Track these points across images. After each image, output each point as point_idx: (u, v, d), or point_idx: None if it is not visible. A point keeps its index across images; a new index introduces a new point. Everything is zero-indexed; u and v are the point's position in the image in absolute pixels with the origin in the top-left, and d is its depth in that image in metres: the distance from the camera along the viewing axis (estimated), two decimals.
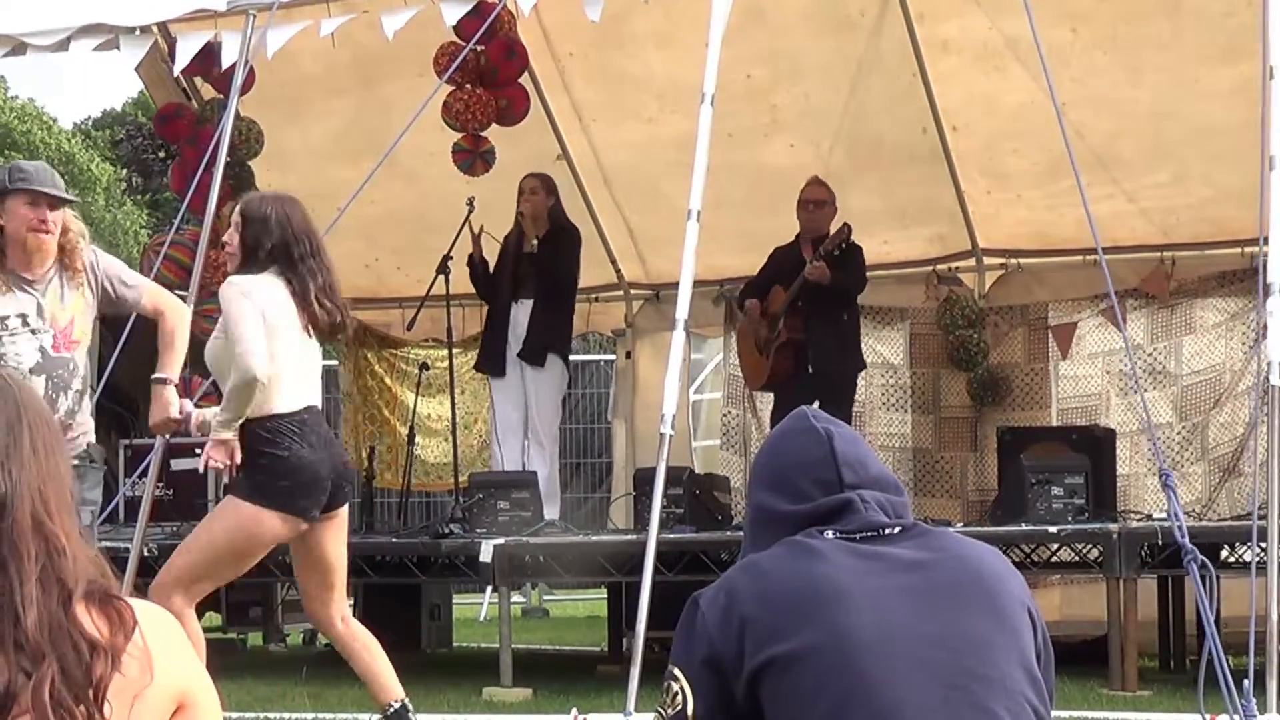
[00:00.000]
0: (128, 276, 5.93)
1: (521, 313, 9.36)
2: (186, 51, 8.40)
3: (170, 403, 5.76)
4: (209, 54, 8.50)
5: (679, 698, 2.42)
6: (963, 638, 2.38)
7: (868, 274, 9.26)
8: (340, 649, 5.75)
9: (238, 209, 5.67)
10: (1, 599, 2.01)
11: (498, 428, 9.53)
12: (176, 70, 8.84)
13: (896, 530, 2.49)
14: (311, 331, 5.55)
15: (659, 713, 2.45)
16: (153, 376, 5.80)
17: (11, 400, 2.11)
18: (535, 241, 9.30)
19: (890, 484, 2.58)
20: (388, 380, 11.72)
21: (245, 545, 5.53)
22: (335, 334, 5.68)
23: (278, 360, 5.42)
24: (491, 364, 9.53)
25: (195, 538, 5.63)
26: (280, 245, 5.49)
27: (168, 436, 6.65)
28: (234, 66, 8.17)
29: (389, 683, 5.66)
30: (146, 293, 5.93)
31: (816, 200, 9.11)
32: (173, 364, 5.82)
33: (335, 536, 5.66)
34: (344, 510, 5.70)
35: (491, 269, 9.42)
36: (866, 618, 2.35)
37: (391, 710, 5.62)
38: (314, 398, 5.58)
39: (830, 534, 2.47)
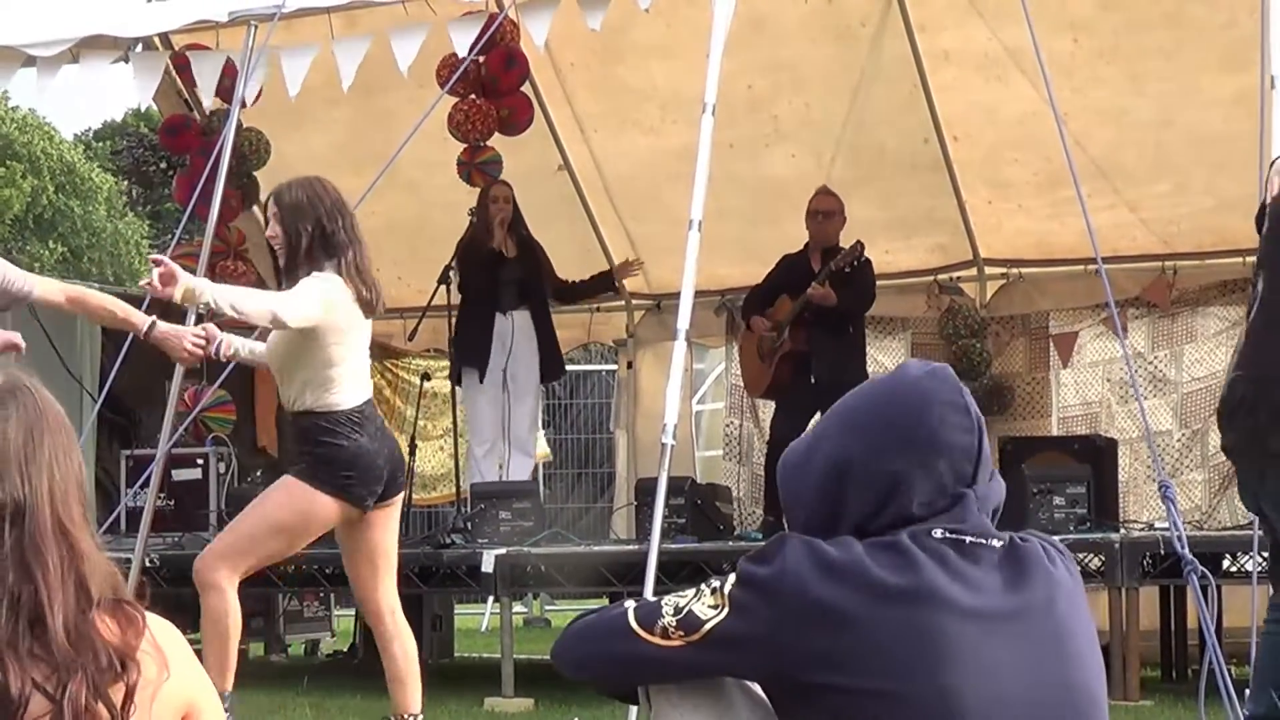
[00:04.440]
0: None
1: (514, 325, 9.29)
2: (203, 73, 8.44)
3: (178, 330, 5.64)
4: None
5: (713, 611, 2.31)
6: (1068, 694, 2.32)
7: None
8: (379, 642, 5.80)
9: (271, 198, 5.68)
10: (24, 604, 2.02)
11: (479, 436, 9.47)
12: (208, 103, 8.87)
13: (998, 544, 2.35)
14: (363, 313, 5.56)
15: (677, 602, 2.34)
16: (144, 333, 5.52)
17: (32, 405, 2.13)
18: (512, 249, 9.25)
19: (1000, 497, 2.41)
20: (388, 391, 11.69)
21: (297, 524, 5.54)
22: (372, 312, 5.58)
23: (349, 357, 5.50)
24: (477, 372, 9.32)
25: (247, 514, 5.63)
26: (317, 226, 5.49)
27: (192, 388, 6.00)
28: (236, 77, 8.18)
29: (411, 694, 5.69)
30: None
31: (826, 211, 9.05)
32: (130, 310, 5.55)
33: (388, 525, 5.70)
34: (398, 499, 5.74)
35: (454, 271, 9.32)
36: (974, 674, 2.24)
37: None
38: (370, 391, 5.66)
39: (939, 532, 2.31)
